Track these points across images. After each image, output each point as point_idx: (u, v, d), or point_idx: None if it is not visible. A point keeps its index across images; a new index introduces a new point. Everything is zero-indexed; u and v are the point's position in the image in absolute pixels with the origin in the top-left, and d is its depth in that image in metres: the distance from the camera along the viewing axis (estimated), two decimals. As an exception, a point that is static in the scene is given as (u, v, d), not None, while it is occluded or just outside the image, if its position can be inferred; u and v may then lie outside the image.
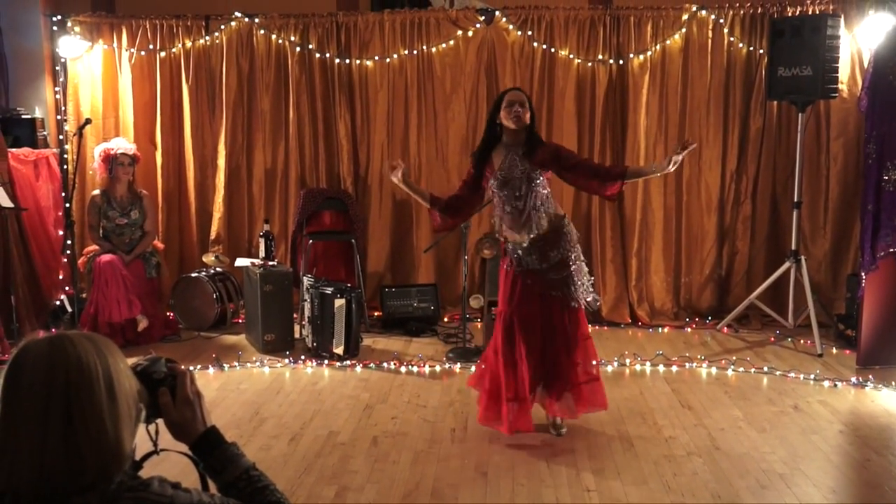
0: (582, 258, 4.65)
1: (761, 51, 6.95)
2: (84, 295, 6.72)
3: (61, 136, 7.35)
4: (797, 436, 4.67)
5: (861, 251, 5.95)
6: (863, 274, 5.84)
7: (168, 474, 1.70)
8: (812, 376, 5.70)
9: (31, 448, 1.54)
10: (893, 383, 5.50)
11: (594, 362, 4.74)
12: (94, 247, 6.70)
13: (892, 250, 5.72)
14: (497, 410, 4.58)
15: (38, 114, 7.25)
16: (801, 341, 6.51)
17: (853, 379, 5.63)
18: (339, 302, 6.08)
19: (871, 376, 5.64)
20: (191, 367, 5.74)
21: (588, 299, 4.63)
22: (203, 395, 1.85)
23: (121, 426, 1.60)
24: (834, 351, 6.32)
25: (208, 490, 1.76)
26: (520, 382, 4.51)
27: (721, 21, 7.01)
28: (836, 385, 5.56)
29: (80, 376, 1.56)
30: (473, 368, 5.15)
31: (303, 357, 6.19)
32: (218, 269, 7.14)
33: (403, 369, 5.94)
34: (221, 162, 7.44)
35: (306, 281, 6.46)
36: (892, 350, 5.83)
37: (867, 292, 5.80)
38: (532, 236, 4.50)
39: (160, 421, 1.80)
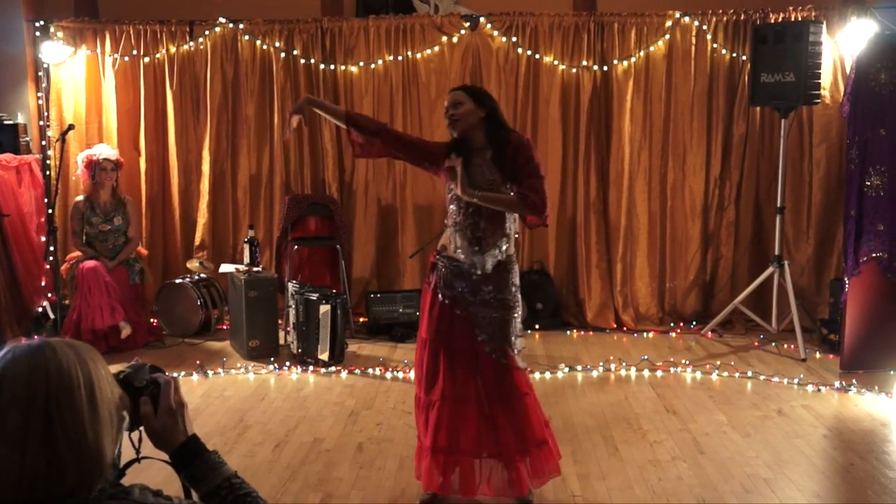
0: (519, 308, 3.92)
1: (744, 57, 6.98)
2: (67, 301, 6.67)
3: (44, 142, 7.30)
4: (781, 440, 4.68)
5: (844, 256, 5.98)
6: (846, 279, 5.86)
7: (151, 482, 1.69)
8: (796, 381, 5.72)
9: (12, 455, 1.52)
10: (876, 388, 5.52)
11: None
12: (76, 253, 6.67)
13: (874, 255, 5.75)
14: (437, 467, 3.81)
15: (20, 119, 7.20)
16: (785, 346, 6.54)
17: (836, 383, 5.65)
18: (324, 308, 6.07)
19: (854, 381, 5.65)
20: (175, 374, 5.72)
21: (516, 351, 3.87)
22: (187, 404, 1.84)
23: (102, 434, 1.59)
24: (817, 355, 6.35)
25: (191, 498, 1.75)
26: (450, 430, 3.76)
27: (704, 28, 7.04)
28: (819, 389, 5.58)
29: (61, 383, 1.55)
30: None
31: (288, 363, 6.17)
32: (202, 276, 7.11)
33: (389, 375, 5.92)
34: (206, 168, 7.41)
35: (291, 287, 6.44)
36: (875, 354, 5.85)
37: (850, 297, 5.82)
38: (482, 269, 3.78)
39: (143, 428, 1.79)
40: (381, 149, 3.98)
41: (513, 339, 3.85)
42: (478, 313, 3.80)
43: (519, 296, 3.93)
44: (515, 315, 3.88)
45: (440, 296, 3.84)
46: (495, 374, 3.78)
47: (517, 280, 3.92)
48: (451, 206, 3.84)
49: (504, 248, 3.83)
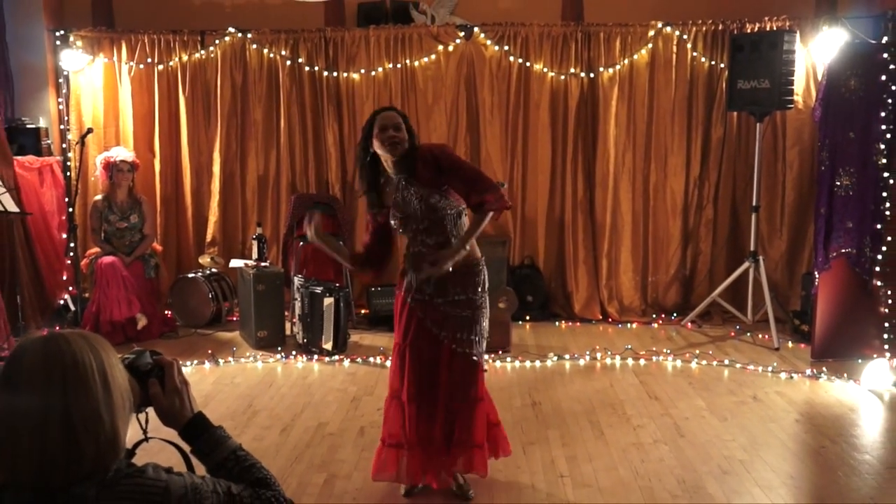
0: (486, 309, 3.74)
1: (722, 65, 6.98)
2: (86, 295, 6.67)
3: (64, 145, 7.28)
4: (756, 424, 4.69)
5: (815, 252, 5.99)
6: (816, 273, 5.87)
7: (164, 461, 1.69)
8: (770, 369, 5.73)
9: (31, 442, 1.52)
10: (845, 375, 5.53)
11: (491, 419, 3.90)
12: (95, 249, 6.66)
13: (843, 251, 5.76)
14: (391, 459, 3.79)
15: (42, 123, 7.19)
16: (760, 336, 6.54)
17: (808, 371, 5.66)
18: (328, 300, 6.06)
19: (824, 369, 5.66)
20: (187, 363, 5.73)
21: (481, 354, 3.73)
22: (189, 384, 1.84)
23: (116, 417, 1.59)
24: (790, 345, 6.35)
25: (193, 472, 1.75)
26: (409, 426, 3.69)
27: (685, 37, 7.03)
28: (792, 377, 5.58)
29: (76, 372, 1.55)
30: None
31: (294, 352, 6.16)
32: (213, 270, 7.10)
33: (388, 363, 5.89)
34: (216, 169, 7.39)
35: (297, 281, 6.44)
36: (845, 344, 5.86)
37: (821, 290, 5.83)
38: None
39: (150, 409, 1.79)
40: (379, 268, 3.90)
41: (479, 339, 3.68)
42: (448, 312, 3.62)
43: (486, 298, 3.73)
44: (482, 314, 3.69)
45: (410, 301, 3.68)
46: (461, 372, 3.65)
47: (484, 282, 3.73)
48: (398, 229, 3.72)
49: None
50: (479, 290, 3.68)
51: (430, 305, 3.64)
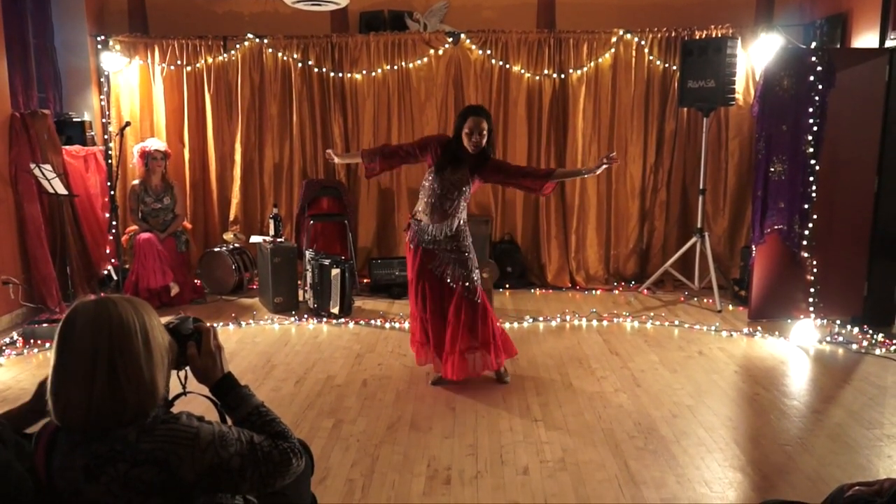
0: (471, 253, 4.38)
1: (674, 67, 6.96)
2: (127, 266, 6.64)
3: (106, 136, 7.21)
4: (701, 375, 4.73)
5: (752, 228, 6.01)
6: (753, 246, 5.90)
7: (195, 411, 1.70)
8: (713, 328, 5.77)
9: (82, 390, 1.52)
10: (777, 333, 5.58)
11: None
12: (134, 227, 6.62)
13: (776, 227, 5.79)
14: (421, 351, 4.57)
15: (86, 117, 7.11)
16: (705, 300, 6.58)
17: (745, 330, 5.70)
18: (335, 271, 6.06)
19: (759, 328, 5.71)
20: (214, 324, 5.72)
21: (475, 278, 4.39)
22: (223, 348, 1.84)
23: (155, 372, 1.59)
24: (730, 308, 6.39)
25: (226, 422, 1.76)
26: (433, 333, 4.41)
27: (642, 43, 7.00)
28: (731, 335, 5.63)
29: (122, 331, 1.55)
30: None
31: (306, 316, 6.17)
32: (236, 245, 7.08)
33: (387, 325, 5.93)
34: (238, 157, 7.35)
35: (308, 254, 6.43)
36: (776, 307, 5.91)
37: (757, 261, 5.87)
38: (443, 233, 4.32)
39: (189, 367, 1.80)
40: (382, 164, 4.48)
41: (472, 270, 4.33)
42: (442, 256, 4.33)
43: (471, 248, 4.38)
44: (468, 255, 4.34)
45: (416, 246, 4.38)
46: (465, 296, 4.31)
47: (469, 239, 4.39)
48: (429, 187, 4.32)
49: (452, 225, 4.33)
50: (465, 243, 4.36)
51: (430, 249, 4.34)
